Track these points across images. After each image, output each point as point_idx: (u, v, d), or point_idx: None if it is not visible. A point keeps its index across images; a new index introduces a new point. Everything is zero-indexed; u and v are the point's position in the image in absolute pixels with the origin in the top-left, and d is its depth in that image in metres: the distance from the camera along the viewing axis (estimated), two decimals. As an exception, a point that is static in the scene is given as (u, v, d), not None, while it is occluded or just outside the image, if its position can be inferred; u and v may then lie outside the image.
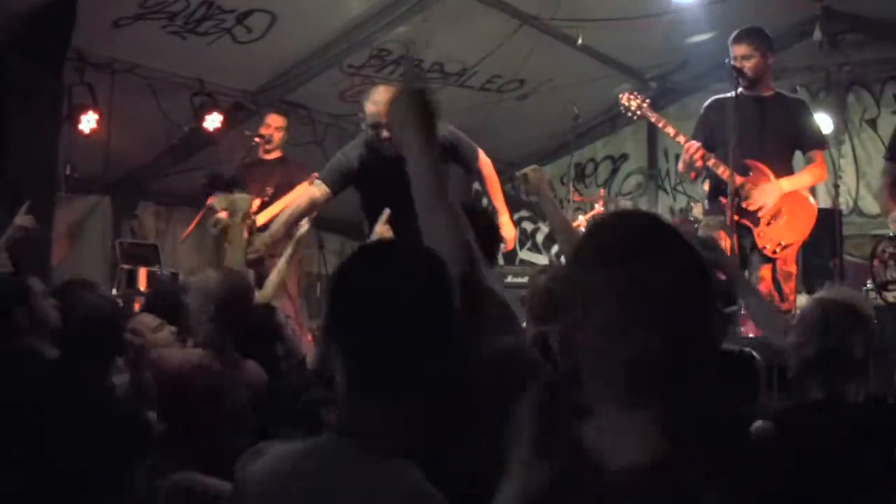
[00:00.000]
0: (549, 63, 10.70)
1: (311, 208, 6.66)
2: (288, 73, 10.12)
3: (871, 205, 11.08)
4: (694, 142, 6.99)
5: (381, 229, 5.63)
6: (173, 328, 5.02)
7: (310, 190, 6.57)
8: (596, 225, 1.96)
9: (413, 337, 2.11)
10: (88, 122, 8.85)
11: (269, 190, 8.41)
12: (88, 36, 8.49)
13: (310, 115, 10.60)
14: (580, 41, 10.15)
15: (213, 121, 9.51)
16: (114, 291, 8.99)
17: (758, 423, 3.28)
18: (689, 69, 11.84)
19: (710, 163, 6.90)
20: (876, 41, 11.01)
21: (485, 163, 6.84)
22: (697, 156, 6.88)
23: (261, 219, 8.38)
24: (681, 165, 7.34)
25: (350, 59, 10.02)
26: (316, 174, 8.45)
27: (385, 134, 6.20)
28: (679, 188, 12.60)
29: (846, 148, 11.22)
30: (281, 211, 6.67)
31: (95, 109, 8.88)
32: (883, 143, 10.79)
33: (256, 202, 8.35)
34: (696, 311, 1.75)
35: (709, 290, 1.81)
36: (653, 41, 10.83)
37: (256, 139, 8.84)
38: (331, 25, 9.61)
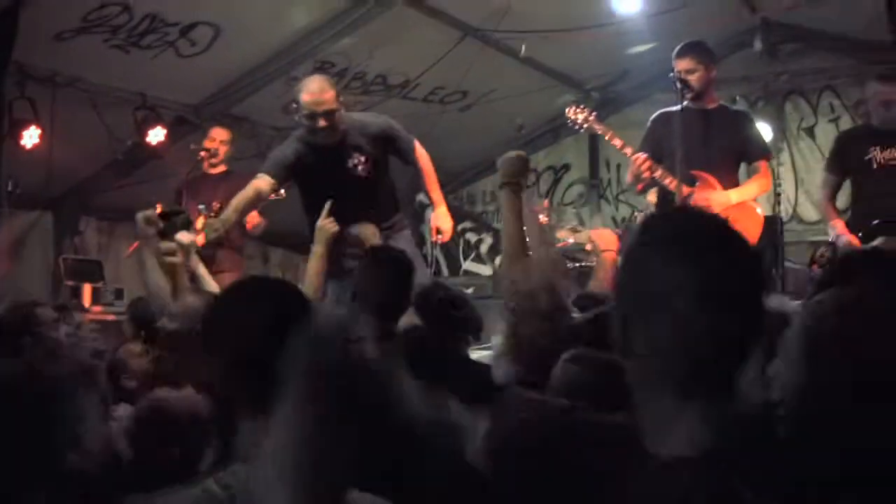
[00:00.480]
0: (492, 74, 10.76)
1: (258, 199, 6.75)
2: (231, 86, 10.09)
3: (809, 212, 11.28)
4: (641, 153, 7.06)
5: (324, 222, 5.67)
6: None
7: (254, 182, 6.63)
8: (660, 220, 2.09)
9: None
10: (31, 136, 8.72)
11: (216, 205, 8.35)
12: (30, 49, 8.39)
13: (253, 128, 10.56)
14: (523, 53, 10.22)
15: (156, 135, 9.43)
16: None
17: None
18: (629, 79, 11.96)
19: (657, 174, 6.97)
20: (812, 51, 11.21)
21: (421, 154, 6.97)
22: (644, 167, 6.95)
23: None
24: (629, 177, 7.42)
25: (294, 71, 9.99)
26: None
27: (322, 123, 6.37)
28: (621, 198, 12.70)
29: (785, 156, 11.35)
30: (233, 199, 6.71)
31: (37, 124, 8.78)
32: (820, 150, 11.01)
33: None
34: (755, 310, 1.82)
35: (764, 291, 1.87)
36: (594, 52, 10.92)
37: (202, 153, 8.80)
38: (274, 38, 9.61)
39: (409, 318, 4.61)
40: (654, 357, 1.80)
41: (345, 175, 6.55)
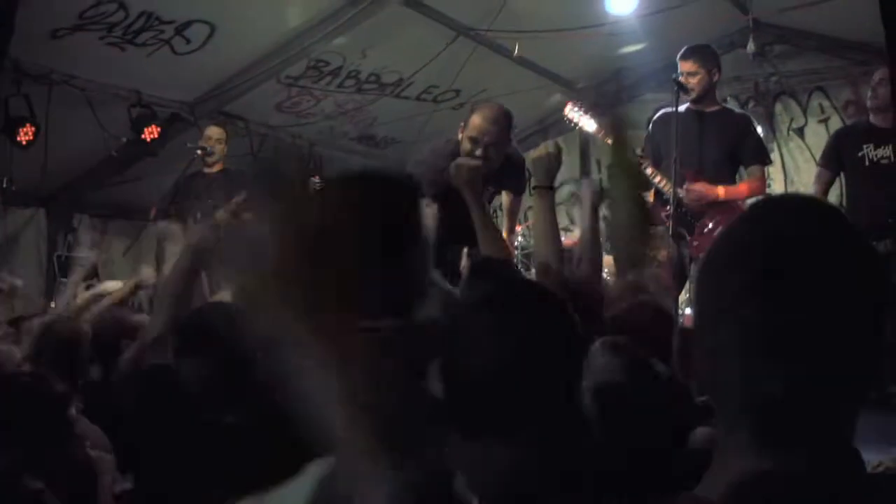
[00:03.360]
0: (484, 73, 10.79)
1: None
2: (226, 84, 10.10)
3: (799, 212, 11.32)
4: None
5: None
6: None
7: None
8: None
9: None
10: (26, 133, 8.74)
11: (212, 203, 8.40)
12: (26, 47, 8.38)
13: (247, 126, 10.59)
14: (517, 52, 10.26)
15: (150, 132, 9.47)
16: (52, 305, 8.91)
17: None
18: (621, 79, 12.02)
19: (648, 172, 7.04)
20: (802, 52, 11.26)
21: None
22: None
23: (202, 231, 8.38)
24: None
25: (288, 70, 10.05)
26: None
27: (479, 151, 5.92)
28: (612, 197, 12.74)
29: (775, 157, 11.40)
30: None
31: (32, 121, 8.79)
32: (810, 151, 11.08)
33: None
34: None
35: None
36: (586, 52, 10.96)
37: (198, 151, 8.82)
38: (269, 37, 9.63)
39: None
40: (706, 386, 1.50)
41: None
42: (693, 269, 7.04)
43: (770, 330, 1.37)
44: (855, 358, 1.39)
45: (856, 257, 1.42)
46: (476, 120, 5.99)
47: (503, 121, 6.07)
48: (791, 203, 1.56)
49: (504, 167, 6.26)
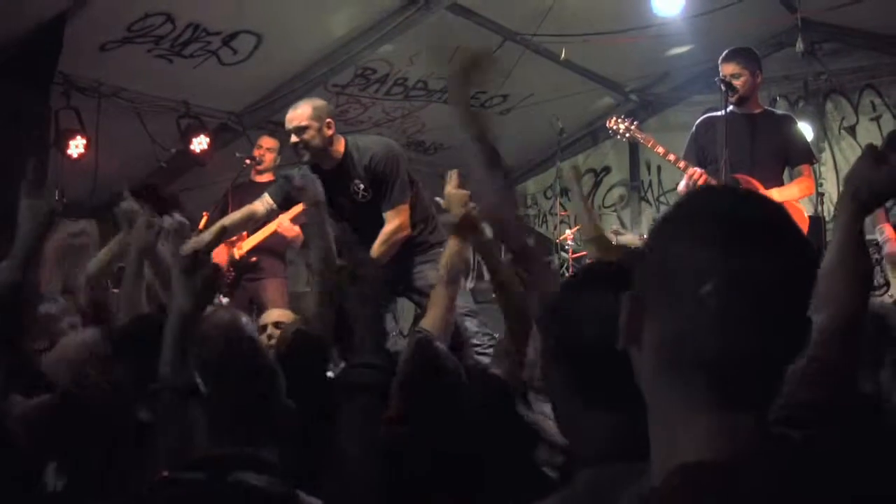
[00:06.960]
0: (532, 78, 10.77)
1: (249, 220, 6.80)
2: (274, 93, 10.14)
3: (851, 212, 11.18)
4: (697, 168, 7.03)
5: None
6: None
7: (254, 203, 6.70)
8: (699, 194, 1.63)
9: None
10: (76, 146, 8.80)
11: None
12: (75, 60, 8.48)
13: (295, 134, 10.62)
14: (563, 56, 10.22)
15: (199, 143, 9.51)
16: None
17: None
18: (669, 81, 11.98)
19: (703, 181, 6.96)
20: (851, 50, 11.17)
21: (392, 217, 6.54)
22: (701, 181, 6.93)
23: (250, 242, 8.40)
24: (681, 188, 7.39)
25: (335, 78, 10.07)
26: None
27: (293, 139, 6.47)
28: (662, 199, 12.69)
29: (826, 156, 11.35)
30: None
31: (82, 134, 8.85)
32: (862, 150, 10.95)
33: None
34: (797, 317, 1.47)
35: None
36: (634, 54, 10.93)
37: (247, 160, 8.86)
38: (316, 46, 9.68)
39: None
40: (663, 349, 1.46)
41: (347, 200, 6.46)
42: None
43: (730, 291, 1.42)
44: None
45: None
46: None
47: (307, 107, 6.39)
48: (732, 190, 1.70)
49: (361, 164, 6.48)
